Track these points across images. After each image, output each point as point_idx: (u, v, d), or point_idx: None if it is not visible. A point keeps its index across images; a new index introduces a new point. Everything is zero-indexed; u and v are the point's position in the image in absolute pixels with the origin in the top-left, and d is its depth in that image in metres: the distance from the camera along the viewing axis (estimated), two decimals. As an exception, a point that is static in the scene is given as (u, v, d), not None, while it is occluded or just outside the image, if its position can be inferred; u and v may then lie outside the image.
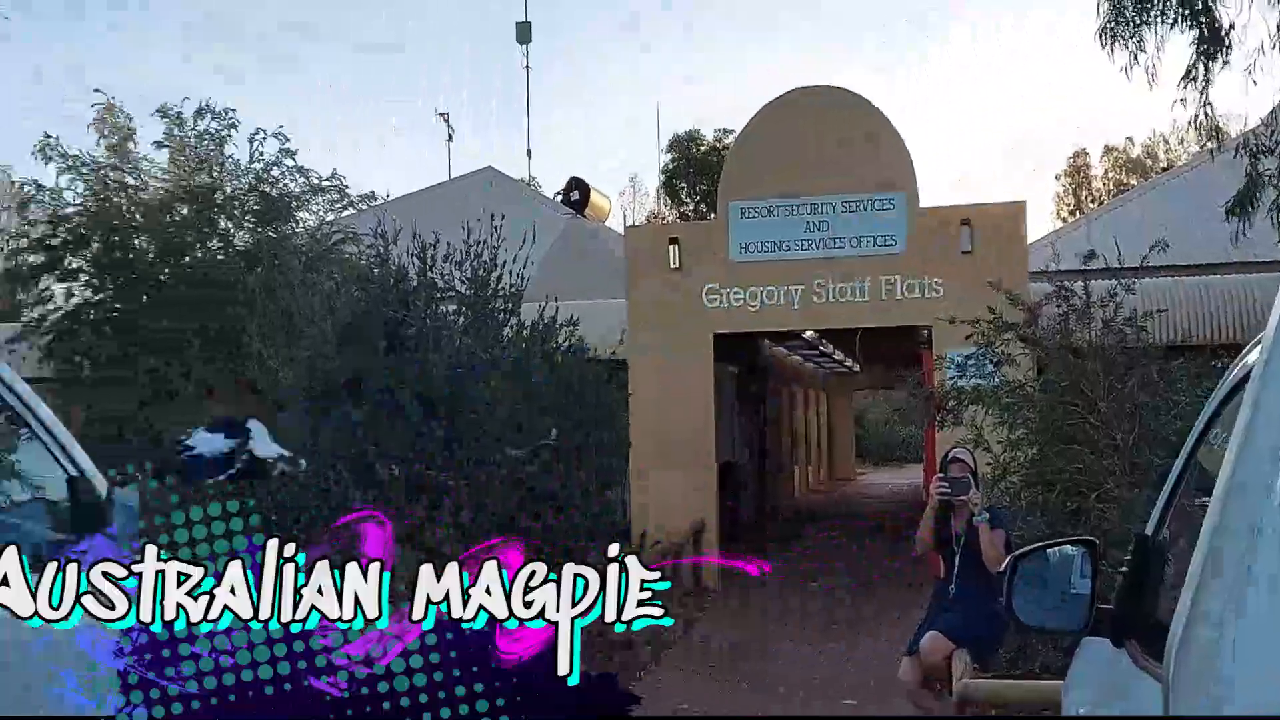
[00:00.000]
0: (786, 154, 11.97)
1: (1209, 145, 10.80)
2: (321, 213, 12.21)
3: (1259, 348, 1.92)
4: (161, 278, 11.21)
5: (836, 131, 11.92)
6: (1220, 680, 1.66)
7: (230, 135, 11.73)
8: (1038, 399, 7.40)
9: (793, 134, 12.00)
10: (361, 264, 9.12)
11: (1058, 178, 41.82)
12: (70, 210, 11.45)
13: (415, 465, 7.43)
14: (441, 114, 25.79)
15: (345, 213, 12.32)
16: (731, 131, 28.81)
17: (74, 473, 3.32)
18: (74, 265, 11.69)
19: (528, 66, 24.08)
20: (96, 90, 12.70)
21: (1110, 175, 39.99)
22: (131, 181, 11.69)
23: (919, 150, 12.57)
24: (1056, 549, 2.80)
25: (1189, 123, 9.40)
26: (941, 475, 5.99)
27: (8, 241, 12.51)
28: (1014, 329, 7.70)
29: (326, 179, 12.04)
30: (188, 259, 11.20)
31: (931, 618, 6.01)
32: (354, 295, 8.16)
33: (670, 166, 30.72)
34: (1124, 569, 2.56)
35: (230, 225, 11.84)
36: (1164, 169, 30.89)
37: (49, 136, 11.37)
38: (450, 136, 24.33)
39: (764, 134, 12.28)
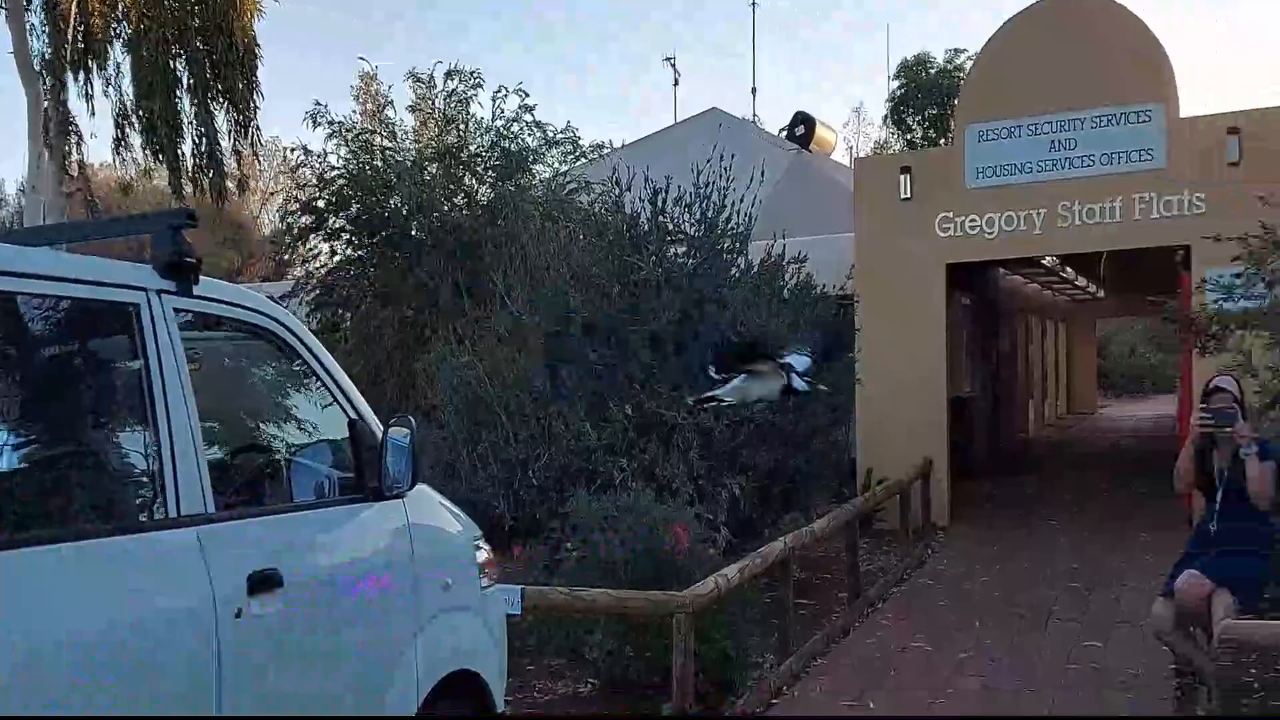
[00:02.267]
0: (1031, 70, 11.32)
1: None
2: (556, 164, 12.64)
3: None
4: (413, 233, 11.95)
5: (1086, 41, 11.13)
6: None
7: (475, 95, 12.35)
8: (1316, 323, 6.74)
9: (1039, 48, 11.32)
10: (596, 211, 9.38)
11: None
12: (334, 173, 12.36)
13: (647, 404, 7.65)
14: (668, 59, 25.99)
15: (579, 163, 12.70)
16: (964, 51, 27.42)
17: (353, 416, 3.66)
18: (336, 225, 12.65)
19: (754, 3, 23.70)
20: (361, 58, 13.62)
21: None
22: (387, 144, 12.50)
23: (1180, 55, 11.54)
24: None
25: None
26: (1203, 406, 5.60)
27: (281, 205, 13.72)
28: (1290, 247, 7.03)
29: (561, 131, 12.46)
30: (436, 215, 11.87)
31: (1190, 557, 5.66)
32: (590, 242, 8.43)
33: (898, 93, 29.56)
34: None
35: (474, 181, 12.45)
36: None
37: (319, 104, 12.30)
38: (676, 81, 24.44)
39: (1007, 50, 11.65)
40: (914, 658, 6.97)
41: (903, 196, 11.81)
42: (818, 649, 6.98)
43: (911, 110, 29.39)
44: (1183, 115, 10.91)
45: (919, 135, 29.21)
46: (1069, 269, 18.56)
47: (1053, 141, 11.25)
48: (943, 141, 22.57)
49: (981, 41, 12.25)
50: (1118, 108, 10.99)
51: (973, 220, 11.58)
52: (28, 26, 13.32)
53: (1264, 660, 5.90)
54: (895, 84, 29.72)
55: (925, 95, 28.81)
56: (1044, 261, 16.33)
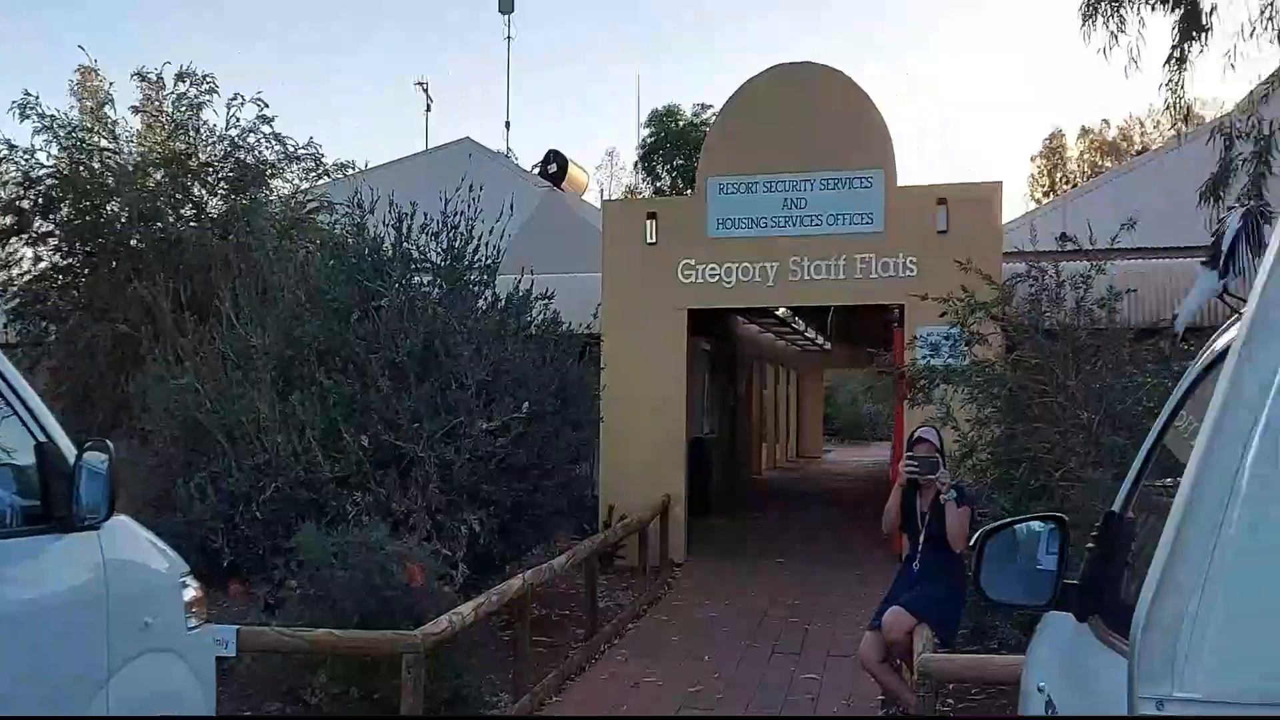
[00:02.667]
0: (766, 130, 11.97)
1: (1182, 129, 10.87)
2: (297, 181, 12.07)
3: (1229, 333, 1.94)
4: (133, 243, 11.04)
5: (816, 108, 11.92)
6: (1183, 657, 1.70)
7: (208, 101, 11.56)
8: (1007, 378, 7.49)
9: (773, 110, 11.99)
10: (336, 233, 9.02)
11: (1033, 159, 42.05)
12: (43, 172, 11.23)
13: (384, 436, 7.40)
14: (420, 83, 25.44)
15: (320, 181, 12.19)
16: (710, 107, 28.79)
17: (42, 438, 3.29)
18: (43, 229, 11.49)
19: (509, 37, 23.82)
20: (80, 47, 12.45)
21: (1086, 157, 40.25)
22: (106, 145, 11.49)
23: (898, 129, 12.60)
24: (1024, 525, 2.84)
25: (1165, 106, 9.46)
26: (910, 454, 6.05)
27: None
28: (986, 308, 7.78)
29: (302, 147, 11.90)
30: (160, 225, 11.03)
31: (895, 593, 6.09)
32: (328, 264, 8.09)
33: (648, 141, 30.58)
34: (1089, 546, 2.60)
35: (204, 192, 11.67)
36: (1139, 152, 31.12)
37: (29, 94, 11.13)
38: (429, 106, 23.93)
39: (744, 109, 12.28)
40: (647, 691, 7.07)
41: (648, 241, 12.16)
42: (553, 686, 6.95)
43: (661, 158, 30.49)
44: (900, 184, 11.88)
45: (668, 183, 30.31)
46: (800, 320, 19.70)
47: (786, 199, 11.94)
48: (688, 191, 23.50)
49: (725, 98, 12.85)
50: (843, 172, 11.83)
51: (713, 269, 12.08)
52: None
53: (959, 691, 6.43)
54: (646, 131, 30.75)
55: (674, 145, 29.97)
56: (778, 312, 17.26)
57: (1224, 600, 1.70)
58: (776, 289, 12.21)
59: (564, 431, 8.50)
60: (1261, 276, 1.81)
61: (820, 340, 23.85)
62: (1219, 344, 2.20)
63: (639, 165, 31.47)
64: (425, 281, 8.26)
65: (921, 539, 6.04)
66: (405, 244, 8.16)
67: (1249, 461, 1.73)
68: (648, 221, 12.23)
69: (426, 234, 8.27)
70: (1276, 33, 8.56)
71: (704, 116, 29.09)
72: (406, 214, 8.15)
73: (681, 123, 30.01)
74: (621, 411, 11.44)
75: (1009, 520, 2.90)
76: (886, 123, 11.98)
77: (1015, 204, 38.88)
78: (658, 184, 30.51)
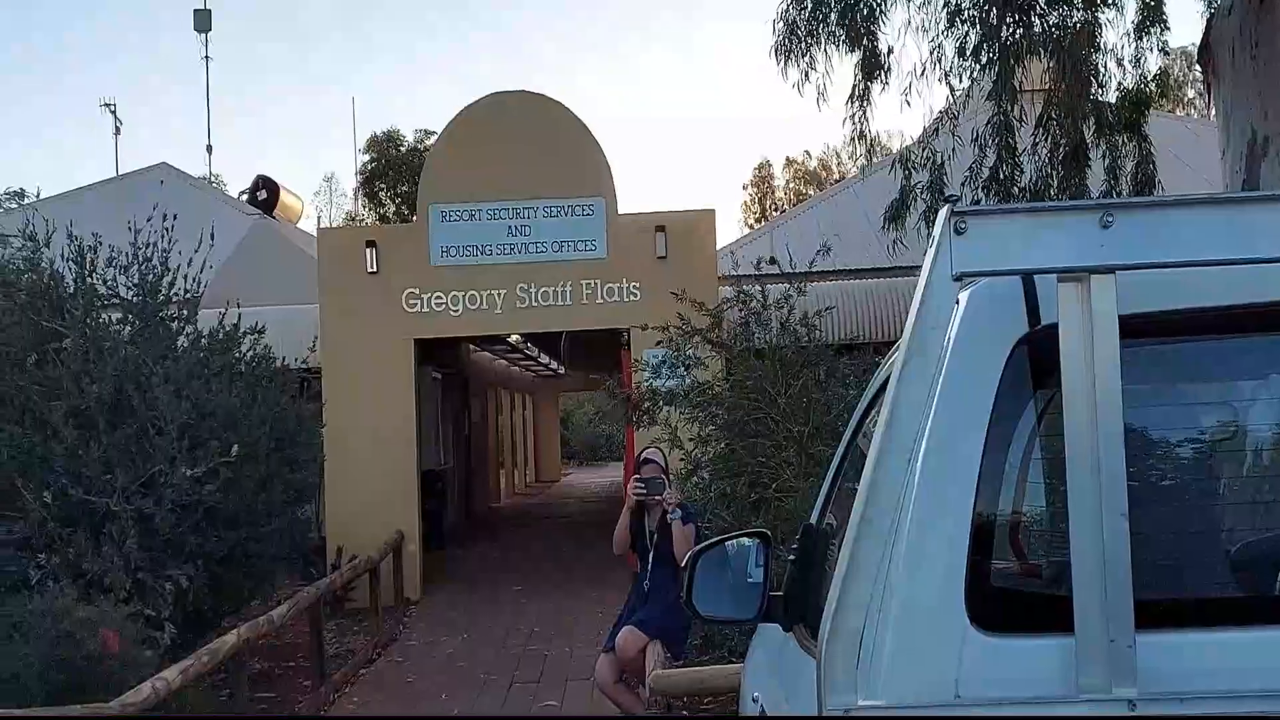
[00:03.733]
0: (487, 157, 11.92)
1: (865, 161, 11.81)
2: (-44, 211, 10.81)
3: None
4: None
5: (536, 136, 12.00)
6: (865, 666, 1.78)
7: None
8: (725, 398, 7.81)
9: (493, 138, 11.97)
10: (8, 269, 8.12)
11: (745, 187, 44.49)
12: None
13: (71, 490, 6.71)
14: (107, 104, 23.46)
15: (-11, 211, 10.98)
16: (433, 133, 28.43)
17: None
18: None
19: (206, 57, 22.55)
20: None
21: (791, 186, 43.04)
22: None
23: (621, 156, 12.95)
24: (734, 542, 2.92)
25: (852, 139, 10.23)
26: (637, 476, 6.16)
27: None
28: (701, 334, 8.08)
29: (-37, 173, 10.69)
30: None
31: (627, 613, 6.17)
32: (-1, 303, 7.26)
33: (369, 167, 29.81)
34: (789, 558, 2.71)
35: None
36: (836, 180, 33.64)
37: None
38: (118, 129, 22.16)
39: (464, 137, 12.18)
40: (378, 741, 6.79)
41: (370, 270, 11.78)
42: (275, 745, 6.53)
43: (384, 185, 29.80)
44: (621, 211, 12.19)
45: (392, 210, 29.66)
46: (532, 346, 19.78)
47: (510, 226, 11.94)
48: (414, 217, 23.12)
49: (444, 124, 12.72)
50: (565, 200, 11.98)
51: (439, 297, 11.87)
52: None
53: (691, 702, 6.59)
54: (366, 157, 29.98)
55: (397, 171, 29.40)
56: (510, 339, 17.23)
57: (898, 610, 1.80)
58: (505, 316, 12.17)
59: (281, 473, 8.05)
60: (917, 297, 1.94)
61: (554, 365, 24.07)
62: (896, 357, 2.35)
63: (360, 191, 30.61)
64: (115, 319, 7.58)
65: (651, 558, 6.16)
66: (89, 279, 7.46)
67: (915, 477, 1.84)
68: (367, 250, 11.85)
69: (115, 267, 7.60)
70: (943, 73, 9.47)
71: (427, 142, 28.72)
72: (90, 246, 7.46)
73: (404, 148, 29.48)
74: (347, 448, 11.00)
75: (719, 538, 2.98)
76: (605, 152, 12.26)
77: (732, 229, 41.01)
78: (381, 210, 29.79)
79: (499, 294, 11.91)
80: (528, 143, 11.97)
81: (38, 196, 9.70)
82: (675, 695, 5.51)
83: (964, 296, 1.96)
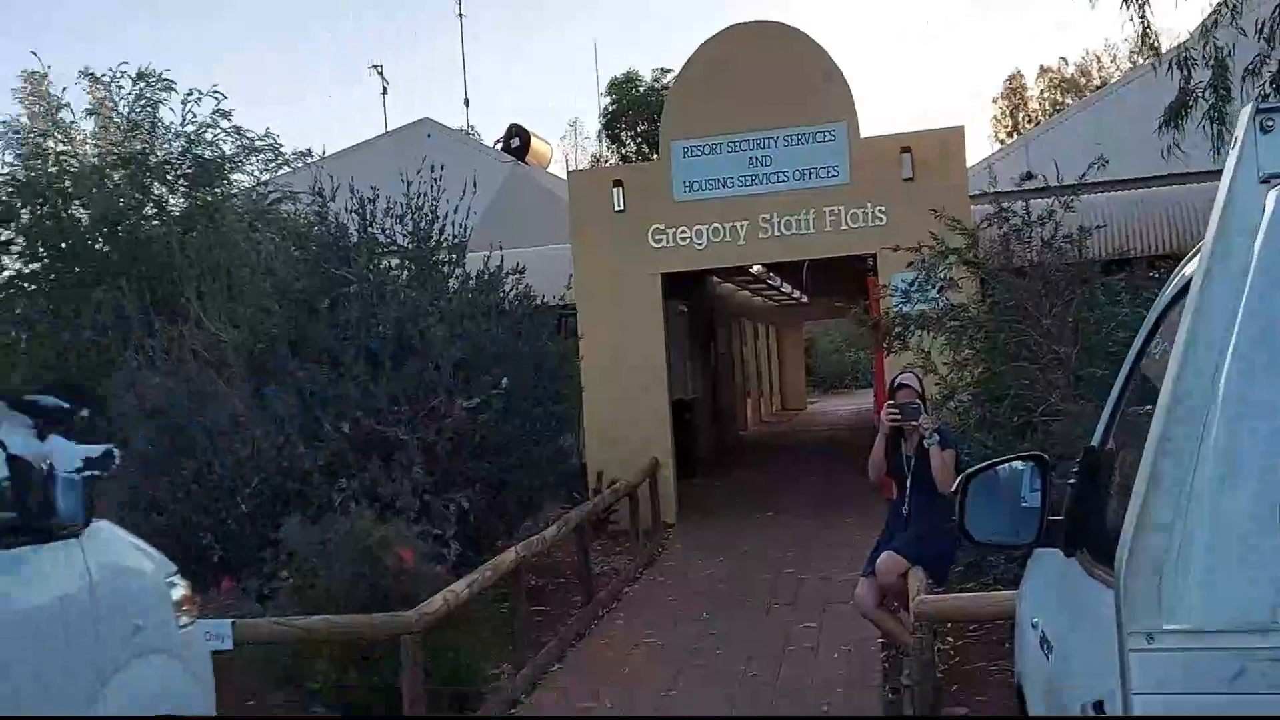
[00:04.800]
0: (726, 91, 11.91)
1: (1147, 59, 10.84)
2: (257, 172, 11.94)
3: (1197, 259, 1.95)
4: (96, 246, 10.90)
5: (774, 66, 11.86)
6: (1169, 589, 1.71)
7: (165, 99, 11.37)
8: (982, 320, 7.52)
9: (731, 70, 11.93)
10: (300, 223, 8.92)
11: (995, 100, 42.02)
12: (-1, 180, 11.09)
13: (364, 422, 7.37)
14: (375, 66, 25.24)
15: (281, 171, 12.05)
16: (670, 71, 28.54)
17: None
18: (4, 237, 11.33)
19: (461, 14, 23.55)
20: (34, 53, 12.18)
21: (1046, 96, 40.24)
22: (62, 148, 11.32)
23: (859, 80, 12.56)
24: (1006, 465, 2.85)
25: (1137, 38, 9.45)
26: (891, 401, 6.08)
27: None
28: (956, 253, 7.79)
29: (260, 138, 11.76)
30: (121, 226, 10.88)
31: (886, 538, 6.14)
32: (293, 254, 8.00)
33: (610, 109, 30.36)
34: (1071, 481, 2.62)
35: (164, 190, 11.52)
36: (1097, 87, 31.16)
37: None
38: (385, 89, 23.77)
39: (702, 72, 12.20)
40: (646, 652, 7.13)
41: (617, 209, 12.10)
42: (554, 655, 7.00)
43: (625, 126, 30.27)
44: (863, 135, 11.85)
45: (633, 150, 30.13)
46: (775, 276, 19.71)
47: (750, 158, 11.91)
48: (654, 156, 23.40)
49: (683, 62, 12.78)
50: (806, 127, 11.79)
51: (683, 231, 12.04)
52: None
53: (956, 629, 6.51)
54: (607, 100, 30.53)
55: (636, 111, 29.76)
56: (752, 269, 17.25)
57: (1205, 528, 1.71)
58: (748, 247, 12.20)
59: (544, 404, 8.48)
60: (1219, 201, 1.81)
61: (797, 294, 23.88)
62: (1187, 270, 2.20)
63: (602, 134, 31.27)
64: (393, 265, 8.20)
65: (909, 483, 6.08)
66: (370, 229, 8.08)
67: (1220, 387, 1.74)
68: (614, 189, 12.17)
69: (391, 217, 8.20)
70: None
71: (664, 81, 28.87)
72: (369, 199, 8.07)
73: (642, 88, 29.79)
74: (603, 379, 11.43)
75: (991, 462, 2.92)
76: (844, 75, 11.94)
77: (981, 147, 38.92)
78: (623, 151, 30.32)
79: (741, 225, 11.94)
80: (766, 73, 11.84)
81: (323, 154, 10.56)
82: (940, 621, 5.46)
83: (1272, 198, 1.81)
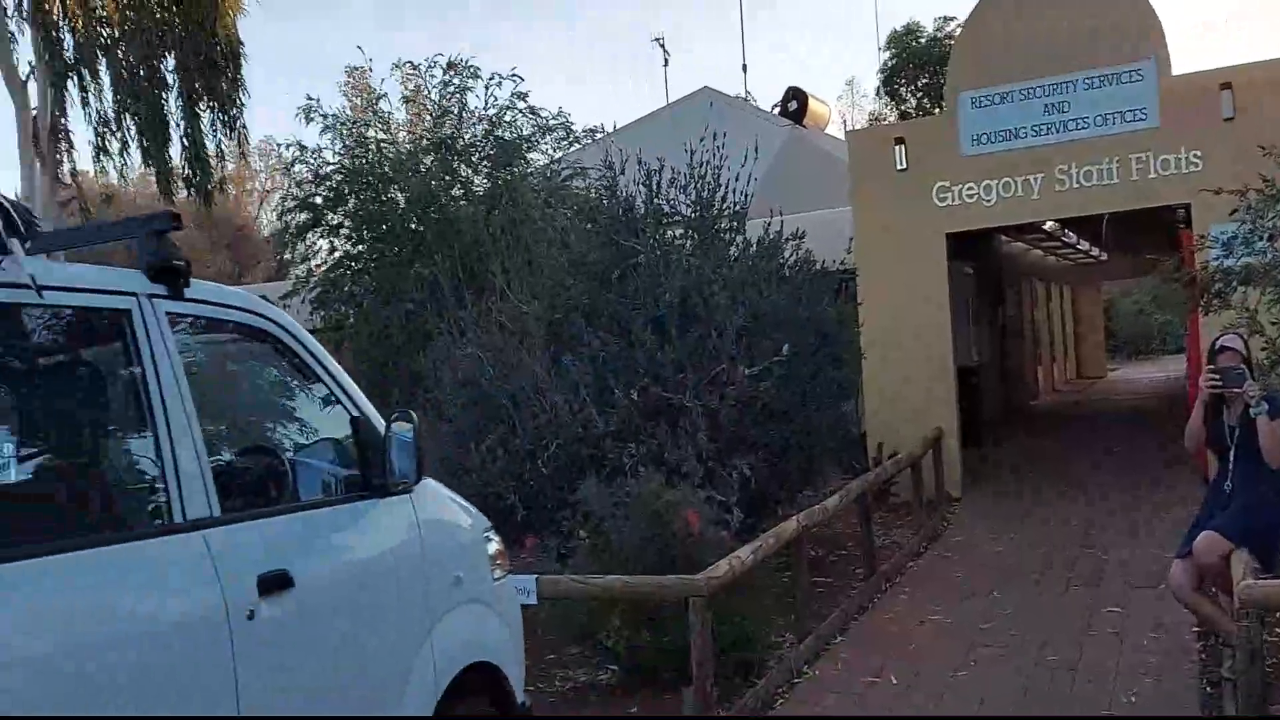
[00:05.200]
0: (1020, 35, 11.24)
1: None
2: (550, 151, 12.58)
3: None
4: (412, 225, 11.91)
5: (1072, 3, 11.05)
6: None
7: (471, 86, 12.25)
8: (1322, 275, 6.69)
9: (1026, 12, 11.25)
10: (591, 197, 9.31)
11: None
12: (330, 169, 12.31)
13: (651, 389, 7.61)
14: (657, 39, 25.96)
15: (572, 148, 12.63)
16: (953, 19, 27.23)
17: (355, 413, 3.63)
18: (334, 221, 12.60)
19: (741, -21, 23.53)
20: (359, 48, 13.50)
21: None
22: (382, 137, 12.43)
23: (1168, 10, 11.47)
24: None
25: None
26: (1211, 367, 5.55)
27: (279, 203, 13.59)
28: (1292, 199, 6.97)
29: (553, 117, 12.39)
30: (434, 207, 11.82)
31: (1205, 517, 5.63)
32: (586, 229, 8.36)
33: (889, 65, 29.37)
34: None
35: (469, 171, 12.39)
36: None
37: (311, 99, 12.26)
38: (666, 61, 24.28)
39: (994, 16, 11.57)
40: (933, 629, 6.96)
41: (899, 167, 11.75)
42: (836, 626, 6.97)
43: (904, 81, 29.20)
44: (1175, 73, 10.82)
45: (913, 105, 29.04)
46: (1070, 232, 18.47)
47: (1046, 105, 11.18)
48: (936, 110, 22.43)
49: (969, 8, 12.15)
50: (1109, 68, 10.91)
51: (970, 188, 11.52)
52: (10, 35, 13.22)
53: (1284, 616, 5.89)
54: (886, 55, 29.55)
55: (917, 65, 28.61)
56: (1045, 226, 16.25)
57: None
58: (1042, 201, 11.48)
59: (826, 370, 8.42)
60: None
61: (1095, 251, 22.29)
62: None
63: (880, 91, 30.30)
64: (677, 235, 8.39)
65: (1232, 457, 5.55)
66: (655, 200, 8.30)
67: None
68: (896, 147, 11.81)
69: (675, 188, 8.38)
70: None
71: (948, 30, 27.55)
72: (655, 170, 8.29)
73: (924, 39, 28.58)
74: (883, 346, 11.19)
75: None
76: (1153, 7, 10.92)
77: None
78: (903, 108, 29.26)
79: (1035, 179, 11.26)
80: (1064, 11, 11.06)
81: (614, 128, 10.97)
82: (1269, 609, 4.96)
83: None
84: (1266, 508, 5.41)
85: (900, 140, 11.91)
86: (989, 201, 11.50)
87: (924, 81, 28.27)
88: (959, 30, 17.03)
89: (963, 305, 14.31)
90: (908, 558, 8.96)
